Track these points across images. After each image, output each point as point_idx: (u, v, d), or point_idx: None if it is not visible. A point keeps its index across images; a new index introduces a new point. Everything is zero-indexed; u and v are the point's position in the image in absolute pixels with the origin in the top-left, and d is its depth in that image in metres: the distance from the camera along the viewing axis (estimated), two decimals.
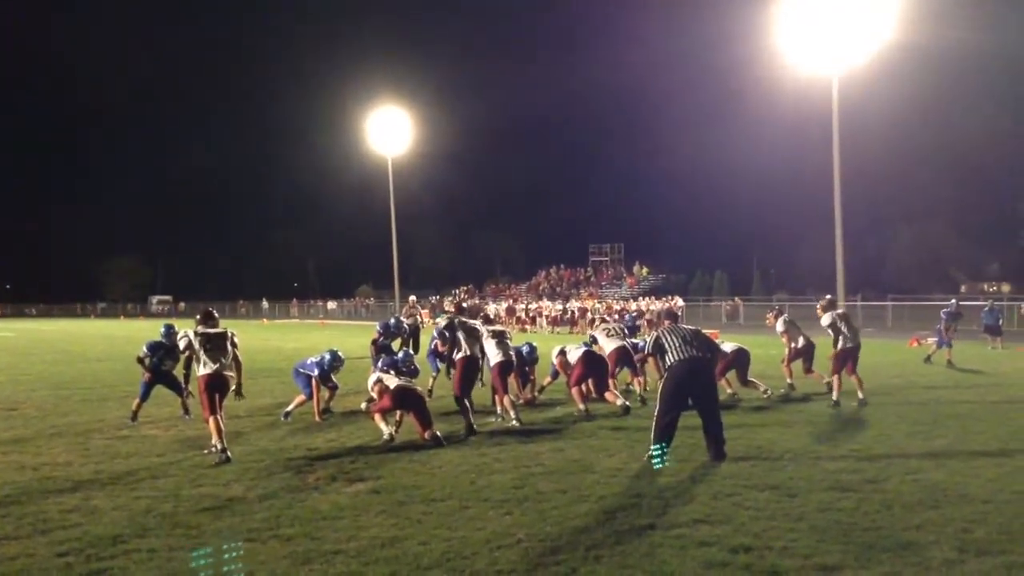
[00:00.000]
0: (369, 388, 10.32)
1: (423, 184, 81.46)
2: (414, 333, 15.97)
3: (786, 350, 15.21)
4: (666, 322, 9.36)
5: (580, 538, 5.95)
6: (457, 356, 10.88)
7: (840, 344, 12.72)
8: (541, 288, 66.71)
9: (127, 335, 40.86)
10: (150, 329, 48.93)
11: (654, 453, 8.48)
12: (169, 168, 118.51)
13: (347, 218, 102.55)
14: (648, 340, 9.27)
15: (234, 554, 5.51)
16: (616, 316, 16.93)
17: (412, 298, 23.67)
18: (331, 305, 76.31)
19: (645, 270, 71.08)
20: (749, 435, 9.93)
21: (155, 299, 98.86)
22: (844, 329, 12.74)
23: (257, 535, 6.06)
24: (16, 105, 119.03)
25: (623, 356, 13.55)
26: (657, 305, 40.91)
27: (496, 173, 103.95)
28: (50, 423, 10.49)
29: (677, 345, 8.82)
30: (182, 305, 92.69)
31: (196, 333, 9.10)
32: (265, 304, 78.44)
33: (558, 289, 65.39)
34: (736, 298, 53.74)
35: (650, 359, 9.16)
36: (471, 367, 10.90)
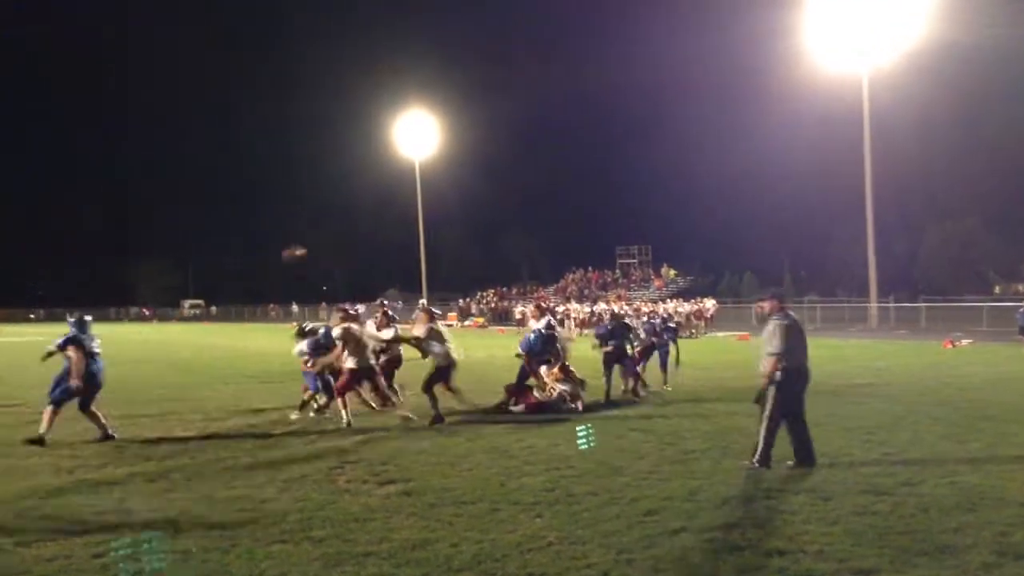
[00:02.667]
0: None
1: (449, 187, 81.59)
2: None
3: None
4: (784, 321, 8.38)
5: (611, 541, 5.92)
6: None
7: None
8: (568, 290, 66.59)
9: (162, 339, 41.36)
10: (184, 332, 49.57)
11: (762, 462, 8.23)
12: (198, 173, 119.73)
13: (374, 221, 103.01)
14: (776, 340, 8.27)
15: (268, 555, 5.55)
16: (645, 318, 16.90)
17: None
18: (359, 308, 76.71)
19: (673, 272, 70.81)
20: (780, 438, 9.83)
21: (187, 303, 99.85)
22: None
23: (290, 536, 6.10)
24: (46, 111, 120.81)
25: (645, 353, 15.06)
26: (686, 307, 40.67)
27: (523, 175, 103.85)
28: (85, 425, 10.59)
29: (799, 347, 8.32)
30: (214, 309, 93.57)
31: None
32: (295, 307, 79.01)
33: (586, 291, 65.27)
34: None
35: (771, 360, 8.24)
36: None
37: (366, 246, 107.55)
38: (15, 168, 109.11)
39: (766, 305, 8.62)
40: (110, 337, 43.49)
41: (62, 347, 10.23)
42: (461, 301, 64.02)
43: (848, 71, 41.52)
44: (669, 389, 14.83)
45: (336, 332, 11.48)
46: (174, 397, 14.81)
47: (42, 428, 10.09)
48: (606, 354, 13.85)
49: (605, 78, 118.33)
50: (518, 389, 12.79)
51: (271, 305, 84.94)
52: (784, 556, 5.53)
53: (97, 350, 10.56)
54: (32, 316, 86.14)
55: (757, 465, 8.21)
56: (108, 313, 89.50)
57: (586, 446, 4.99)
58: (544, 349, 12.86)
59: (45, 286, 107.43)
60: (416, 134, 50.21)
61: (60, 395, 10.13)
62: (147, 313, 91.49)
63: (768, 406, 8.30)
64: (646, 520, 6.47)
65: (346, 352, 11.36)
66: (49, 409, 10.15)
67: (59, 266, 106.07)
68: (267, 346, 31.38)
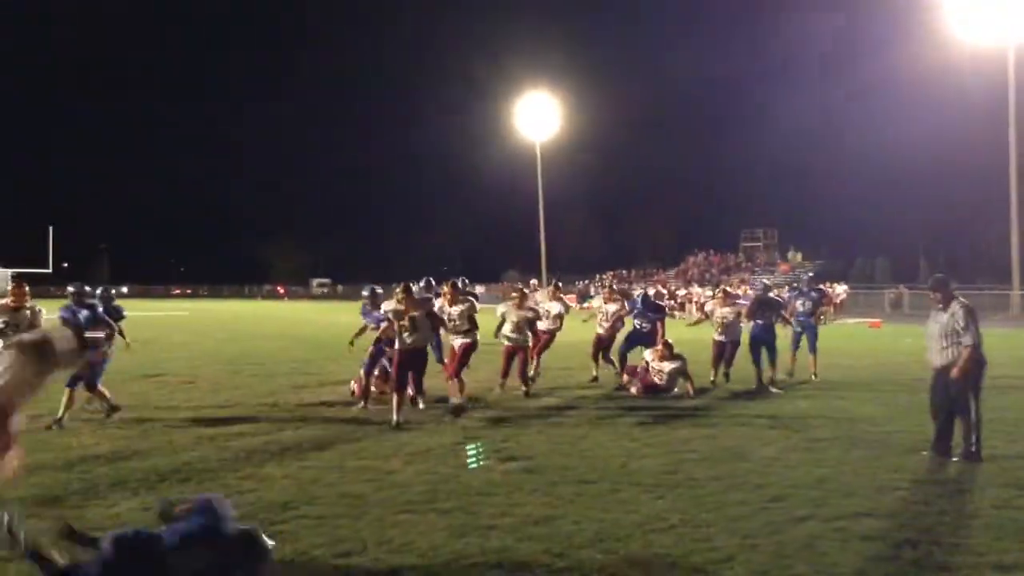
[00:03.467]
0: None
1: (571, 169, 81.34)
2: None
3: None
4: (969, 305, 8.11)
5: (736, 525, 5.85)
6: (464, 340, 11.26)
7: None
8: (690, 274, 65.57)
9: (291, 315, 43.10)
10: (312, 310, 51.41)
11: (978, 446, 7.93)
12: (324, 156, 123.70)
13: (494, 203, 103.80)
14: (972, 328, 7.97)
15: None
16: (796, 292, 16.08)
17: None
18: (479, 290, 77.76)
19: (800, 256, 68.62)
20: (921, 427, 9.45)
21: (315, 282, 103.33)
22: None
23: (415, 507, 6.28)
24: (188, 95, 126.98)
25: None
26: (792, 291, 39.35)
27: (646, 157, 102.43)
28: (224, 396, 11.18)
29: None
30: (340, 288, 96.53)
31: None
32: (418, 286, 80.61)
33: (708, 275, 64.10)
34: (901, 286, 51.01)
35: (967, 351, 7.94)
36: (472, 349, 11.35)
37: (487, 228, 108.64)
38: (163, 150, 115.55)
39: (940, 293, 8.24)
40: (244, 313, 45.60)
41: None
42: (580, 283, 63.92)
43: (991, 44, 39.12)
44: (816, 377, 14.09)
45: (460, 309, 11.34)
46: (303, 371, 15.40)
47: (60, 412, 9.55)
48: (752, 337, 13.13)
49: (731, 59, 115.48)
50: (633, 371, 12.70)
51: (393, 285, 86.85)
52: (917, 548, 5.34)
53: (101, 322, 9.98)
54: (174, 292, 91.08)
55: (973, 458, 7.85)
56: (243, 290, 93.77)
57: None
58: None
59: (186, 263, 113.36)
60: (537, 116, 50.31)
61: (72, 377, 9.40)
62: (280, 291, 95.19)
63: (971, 401, 7.98)
64: (771, 506, 6.35)
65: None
66: (66, 392, 9.52)
67: (199, 244, 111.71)
68: None
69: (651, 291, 14.02)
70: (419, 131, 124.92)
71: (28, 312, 9.34)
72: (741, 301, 14.06)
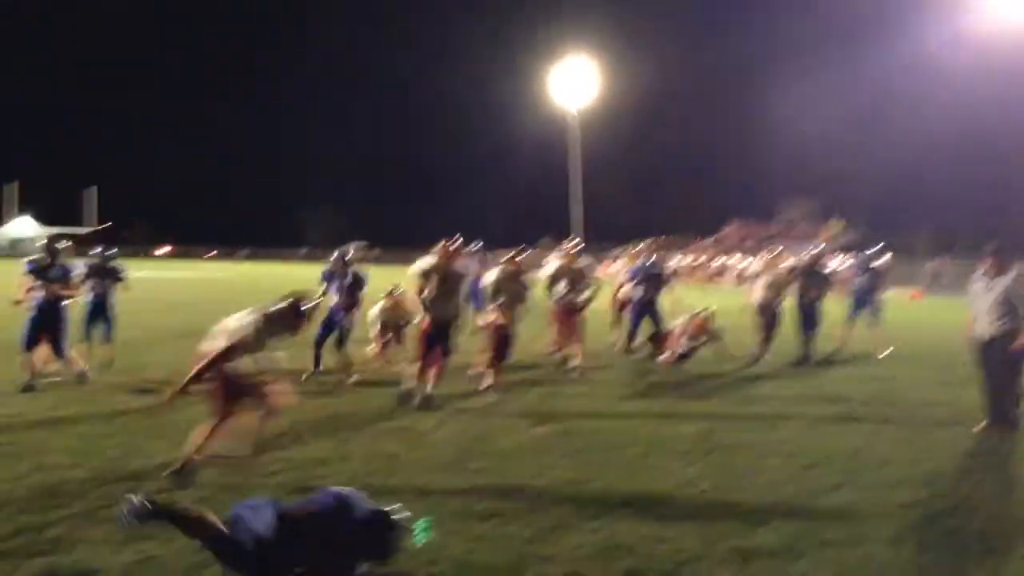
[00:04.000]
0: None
1: (607, 134, 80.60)
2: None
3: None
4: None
5: (768, 493, 5.82)
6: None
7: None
8: (728, 242, 64.98)
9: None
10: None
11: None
12: (361, 121, 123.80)
13: (530, 169, 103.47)
14: None
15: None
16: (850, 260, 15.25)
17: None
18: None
19: (840, 225, 67.65)
20: (959, 399, 9.30)
21: (352, 246, 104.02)
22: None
23: (447, 467, 6.32)
24: (229, 62, 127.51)
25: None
26: (851, 262, 38.86)
27: (684, 124, 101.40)
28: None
29: None
30: (377, 251, 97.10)
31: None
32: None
33: (746, 244, 63.49)
34: (942, 257, 50.11)
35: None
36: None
37: (522, 193, 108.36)
38: (206, 111, 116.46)
39: (990, 261, 8.03)
40: (280, 277, 46.05)
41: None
42: (616, 251, 63.61)
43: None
44: (878, 354, 13.41)
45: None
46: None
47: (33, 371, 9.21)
48: (803, 310, 12.62)
49: (775, 26, 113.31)
50: (665, 338, 12.47)
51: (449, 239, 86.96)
52: (954, 516, 5.29)
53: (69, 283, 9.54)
54: (209, 255, 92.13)
55: (1014, 427, 7.75)
56: (280, 253, 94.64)
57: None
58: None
59: (225, 226, 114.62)
60: (574, 81, 49.77)
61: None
62: (303, 253, 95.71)
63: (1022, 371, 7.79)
64: (804, 474, 6.31)
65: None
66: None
67: (238, 206, 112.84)
68: None
69: (650, 259, 13.07)
70: (453, 95, 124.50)
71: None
72: (785, 269, 13.32)
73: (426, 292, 8.88)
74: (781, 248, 14.38)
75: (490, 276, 10.41)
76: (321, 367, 10.28)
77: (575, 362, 10.89)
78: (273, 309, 5.87)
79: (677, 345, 12.05)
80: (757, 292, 12.94)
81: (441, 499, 5.52)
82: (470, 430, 7.59)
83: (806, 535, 4.94)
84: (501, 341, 9.87)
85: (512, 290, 9.94)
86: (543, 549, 4.66)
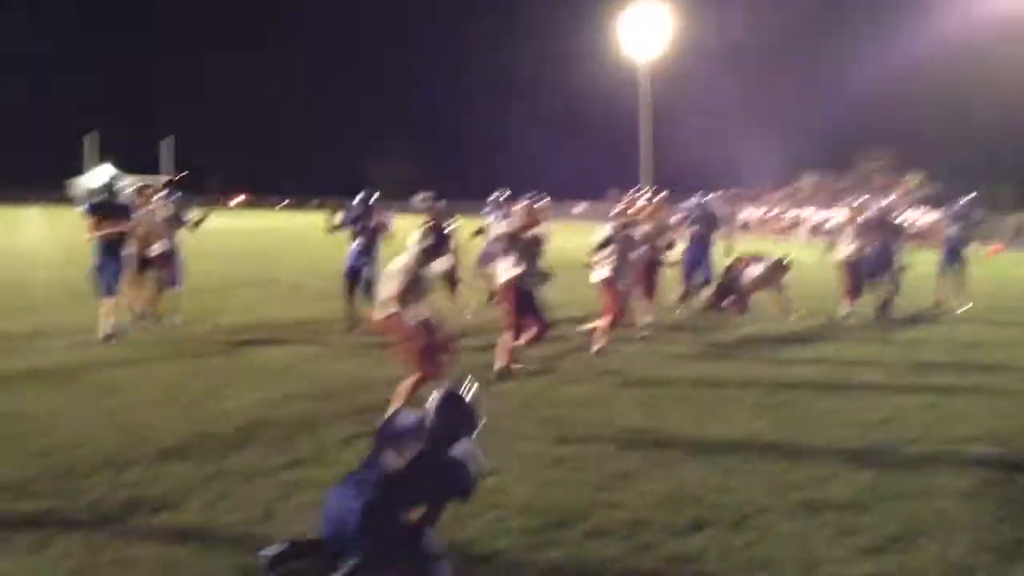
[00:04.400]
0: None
1: (676, 82, 79.00)
2: None
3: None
4: None
5: (839, 445, 5.74)
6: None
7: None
8: (800, 195, 63.46)
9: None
10: (413, 224, 51.78)
11: None
12: (431, 72, 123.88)
13: (597, 118, 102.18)
14: None
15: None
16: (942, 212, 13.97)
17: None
18: (580, 208, 77.04)
19: (919, 179, 65.40)
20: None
21: (419, 196, 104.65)
22: None
23: (516, 414, 6.37)
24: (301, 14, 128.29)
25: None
26: (931, 217, 37.63)
27: (755, 72, 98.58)
28: (328, 305, 11.27)
29: None
30: (443, 202, 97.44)
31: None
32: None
33: (819, 196, 61.92)
34: None
35: None
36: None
37: (589, 143, 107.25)
38: (276, 60, 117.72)
39: None
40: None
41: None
42: (685, 202, 62.65)
43: None
44: (960, 308, 13.00)
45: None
46: None
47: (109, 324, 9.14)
48: (877, 263, 11.99)
49: None
50: (723, 290, 12.10)
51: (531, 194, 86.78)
52: None
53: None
54: (281, 204, 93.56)
55: None
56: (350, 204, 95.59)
57: None
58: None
59: (295, 175, 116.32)
60: (644, 29, 48.80)
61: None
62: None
63: None
64: (878, 428, 6.21)
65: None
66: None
67: (305, 156, 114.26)
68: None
69: (706, 196, 12.48)
70: (524, 42, 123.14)
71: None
72: (871, 220, 12.45)
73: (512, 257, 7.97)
74: (865, 199, 13.64)
75: (502, 227, 9.25)
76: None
77: (647, 319, 10.50)
78: (418, 241, 6.08)
79: (748, 286, 11.72)
80: (842, 246, 12.23)
81: (509, 444, 5.57)
82: (536, 380, 7.62)
83: (876, 488, 4.87)
84: (621, 300, 9.10)
85: (625, 245, 8.98)
86: (609, 496, 4.69)
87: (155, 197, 10.79)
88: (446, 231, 11.01)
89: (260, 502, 4.48)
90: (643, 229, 9.91)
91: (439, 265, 6.47)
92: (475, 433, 3.80)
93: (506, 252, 8.03)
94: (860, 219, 12.32)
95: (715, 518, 4.39)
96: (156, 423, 5.93)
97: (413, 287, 5.96)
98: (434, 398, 3.82)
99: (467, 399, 3.87)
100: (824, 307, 12.26)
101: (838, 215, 13.32)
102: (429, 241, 6.19)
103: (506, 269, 7.93)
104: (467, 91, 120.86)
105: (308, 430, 5.81)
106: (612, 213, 10.03)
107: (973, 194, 15.25)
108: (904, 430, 6.13)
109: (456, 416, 3.78)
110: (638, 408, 6.72)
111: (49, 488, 4.60)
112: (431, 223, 10.17)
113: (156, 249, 10.20)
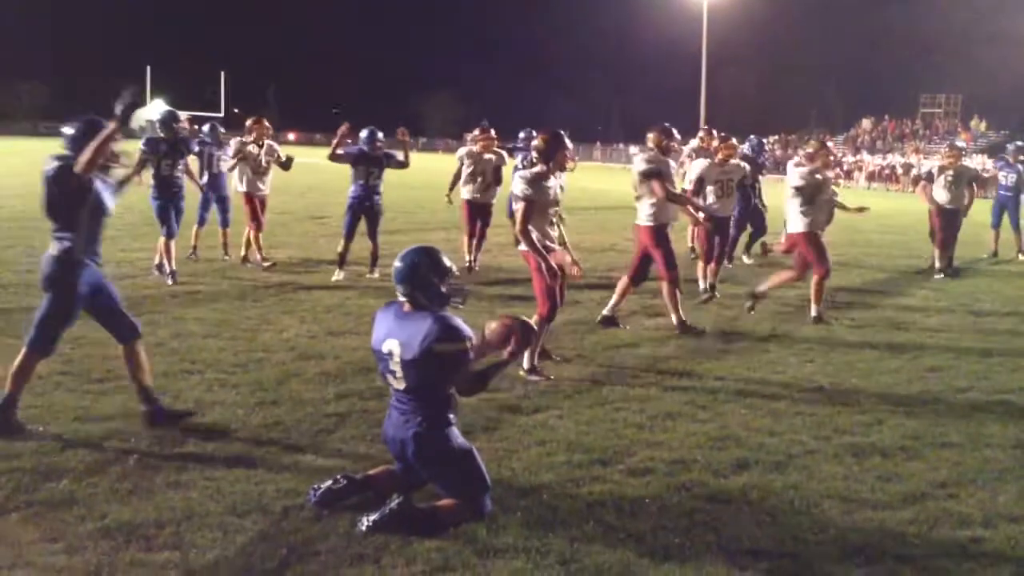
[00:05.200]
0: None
1: (737, 24, 76.85)
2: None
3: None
4: None
5: (889, 392, 5.70)
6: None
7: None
8: (860, 140, 61.80)
9: (443, 167, 43.68)
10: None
11: None
12: (482, 7, 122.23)
13: (653, 61, 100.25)
14: None
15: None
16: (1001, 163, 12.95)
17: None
18: (632, 150, 76.07)
19: (984, 125, 63.18)
20: None
21: (469, 136, 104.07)
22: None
23: (565, 354, 6.41)
24: None
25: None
26: (997, 163, 36.50)
27: (818, 14, 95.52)
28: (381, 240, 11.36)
29: None
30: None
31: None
32: (570, 145, 79.85)
33: (880, 142, 60.25)
34: None
35: None
36: None
37: (645, 87, 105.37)
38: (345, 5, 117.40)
39: None
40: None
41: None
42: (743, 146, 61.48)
43: None
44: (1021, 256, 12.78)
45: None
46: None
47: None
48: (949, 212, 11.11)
49: None
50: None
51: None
52: None
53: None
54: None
55: None
56: (396, 144, 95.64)
57: None
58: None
59: (343, 112, 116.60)
60: None
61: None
62: (422, 142, 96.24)
63: None
64: (928, 376, 6.14)
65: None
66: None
67: (357, 95, 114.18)
68: None
69: (755, 142, 11.98)
70: None
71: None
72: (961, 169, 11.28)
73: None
74: (962, 147, 13.05)
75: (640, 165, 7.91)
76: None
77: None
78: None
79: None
80: (935, 193, 11.33)
81: (553, 382, 5.63)
82: (586, 321, 7.63)
83: (924, 435, 4.82)
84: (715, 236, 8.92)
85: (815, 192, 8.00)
86: (653, 435, 4.72)
87: (199, 132, 11.02)
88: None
89: (309, 432, 4.60)
90: (831, 173, 8.78)
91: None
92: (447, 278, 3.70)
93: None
94: (959, 164, 11.32)
95: (758, 459, 4.40)
96: (207, 355, 6.06)
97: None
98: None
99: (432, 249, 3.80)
100: (879, 254, 12.02)
101: (899, 161, 12.89)
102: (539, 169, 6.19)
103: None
104: (520, 26, 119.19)
105: (357, 364, 5.92)
106: (688, 149, 9.95)
107: (1019, 142, 14.58)
108: (954, 379, 6.05)
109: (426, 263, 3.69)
110: (686, 348, 6.73)
111: (107, 413, 4.76)
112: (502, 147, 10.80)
113: (264, 189, 10.38)
